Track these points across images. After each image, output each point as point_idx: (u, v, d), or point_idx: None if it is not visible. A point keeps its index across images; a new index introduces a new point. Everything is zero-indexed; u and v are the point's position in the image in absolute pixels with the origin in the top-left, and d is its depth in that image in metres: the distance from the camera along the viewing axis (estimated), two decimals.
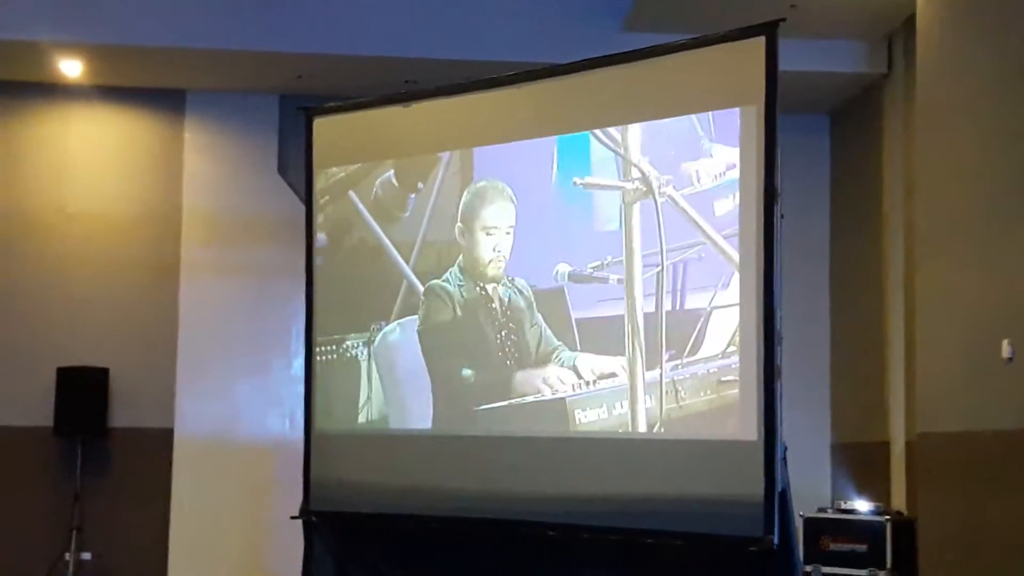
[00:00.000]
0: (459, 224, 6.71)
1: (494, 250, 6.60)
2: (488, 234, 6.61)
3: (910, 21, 8.30)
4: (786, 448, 5.58)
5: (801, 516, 8.09)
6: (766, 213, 5.62)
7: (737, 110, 5.81)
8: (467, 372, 6.66)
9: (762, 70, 5.66)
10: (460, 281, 6.71)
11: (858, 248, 10.10)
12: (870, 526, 8.48)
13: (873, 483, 9.32)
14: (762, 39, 5.68)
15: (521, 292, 6.50)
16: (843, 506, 8.98)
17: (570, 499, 6.10)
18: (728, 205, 5.86)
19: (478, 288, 6.62)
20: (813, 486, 9.52)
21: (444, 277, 6.77)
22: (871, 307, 9.69)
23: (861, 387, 9.91)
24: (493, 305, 6.59)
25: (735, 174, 5.83)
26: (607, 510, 5.96)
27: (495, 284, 6.57)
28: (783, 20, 5.69)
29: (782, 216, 5.69)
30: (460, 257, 6.73)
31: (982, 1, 6.98)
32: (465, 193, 6.73)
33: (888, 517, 8.48)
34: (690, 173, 5.99)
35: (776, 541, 5.42)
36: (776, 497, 5.45)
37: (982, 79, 6.91)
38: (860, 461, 9.82)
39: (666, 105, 6.09)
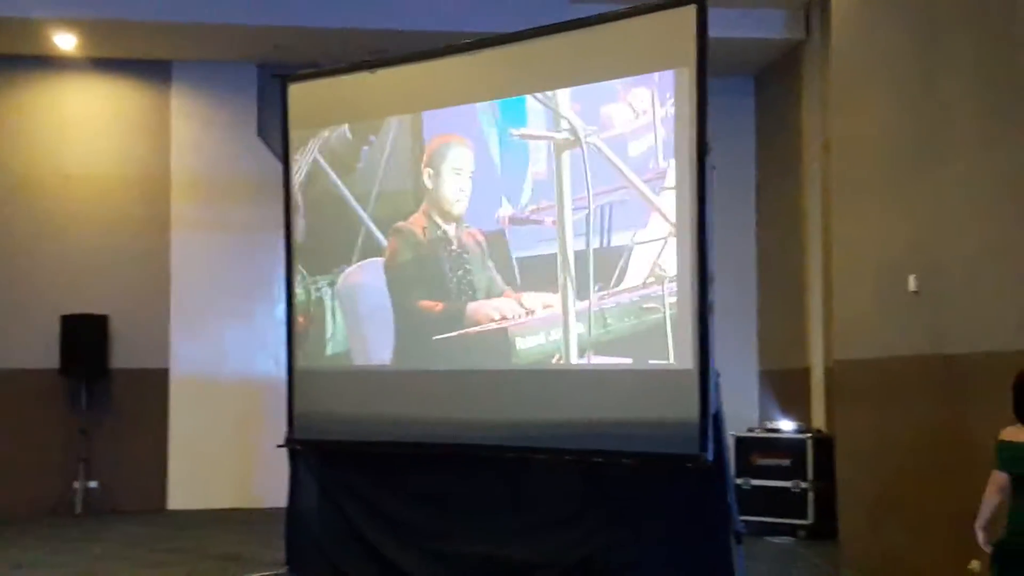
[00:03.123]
0: (428, 169, 6.66)
1: (460, 190, 6.57)
2: (456, 174, 6.57)
3: None
4: (719, 375, 5.60)
5: (733, 436, 8.16)
6: (699, 165, 5.59)
7: (671, 72, 5.76)
8: (426, 304, 6.66)
9: (693, 36, 5.61)
10: (424, 223, 6.68)
11: (781, 195, 10.13)
12: (793, 443, 8.58)
13: (796, 405, 9.41)
14: (693, 7, 5.63)
15: (474, 236, 6.48)
16: (769, 426, 9.07)
17: (524, 424, 6.11)
18: (642, 146, 5.87)
19: (440, 231, 6.60)
20: (743, 408, 9.61)
21: (410, 219, 6.74)
22: (793, 248, 9.73)
23: (784, 319, 9.98)
24: (452, 247, 6.56)
25: (648, 119, 5.84)
26: (560, 433, 5.97)
27: (455, 224, 6.54)
28: None
29: (713, 168, 5.67)
30: (424, 201, 6.68)
31: None
32: (432, 143, 6.68)
33: (809, 435, 8.58)
34: (610, 117, 5.98)
35: (710, 458, 5.45)
36: (710, 419, 5.48)
37: (890, 43, 6.90)
38: (784, 385, 9.91)
39: (606, 69, 6.03)
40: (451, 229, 6.56)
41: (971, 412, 5.81)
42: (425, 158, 6.67)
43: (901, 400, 6.61)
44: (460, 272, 6.52)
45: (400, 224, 6.76)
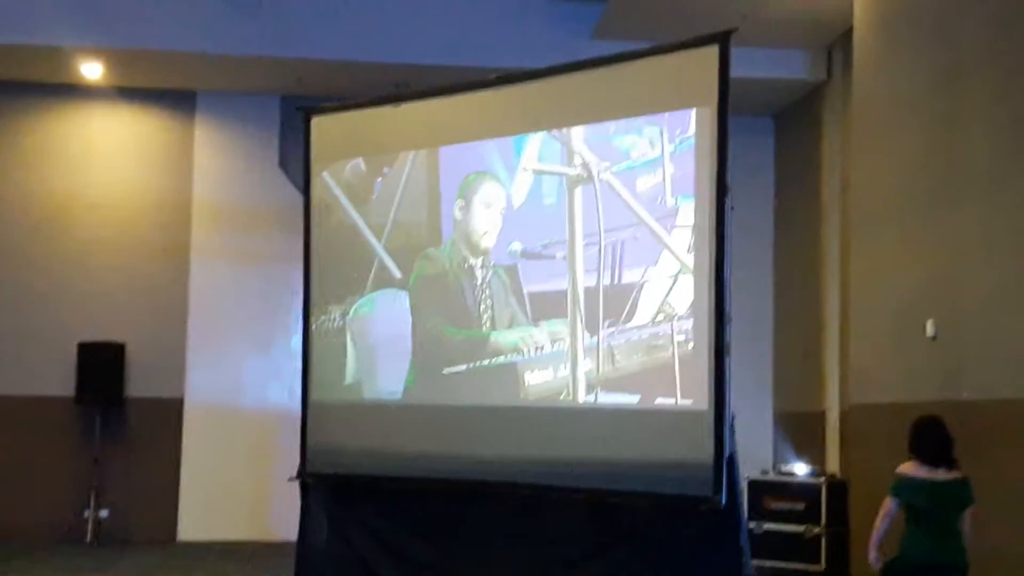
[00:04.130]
0: (460, 201, 6.64)
1: (489, 224, 6.55)
2: (487, 208, 6.56)
3: (848, 33, 8.26)
4: (734, 417, 5.53)
5: (746, 478, 8.06)
6: (718, 205, 5.55)
7: (692, 111, 5.74)
8: (452, 332, 6.62)
9: (715, 75, 5.59)
10: (452, 254, 6.67)
11: (799, 236, 10.07)
12: (807, 487, 8.46)
13: (810, 448, 9.31)
14: (716, 47, 5.61)
15: (497, 270, 6.46)
16: (783, 469, 8.96)
17: (535, 462, 6.05)
18: (654, 183, 5.85)
19: (467, 263, 6.58)
20: (757, 450, 9.51)
21: (440, 248, 6.72)
22: (810, 289, 9.67)
23: (800, 362, 9.89)
24: (476, 280, 6.54)
25: (659, 153, 5.82)
26: (572, 472, 5.91)
27: (482, 258, 6.52)
28: (735, 30, 5.61)
29: (732, 208, 5.63)
30: (454, 233, 6.67)
31: (911, 17, 6.94)
32: (466, 176, 6.67)
33: (823, 479, 8.46)
34: (623, 153, 5.97)
35: (724, 501, 5.38)
36: (724, 461, 5.40)
37: (910, 86, 6.88)
38: (799, 428, 9.81)
39: (626, 107, 6.01)
40: (478, 262, 6.55)
41: (989, 459, 5.72)
42: (457, 190, 6.66)
43: None
44: (483, 306, 6.49)
45: (432, 251, 6.74)
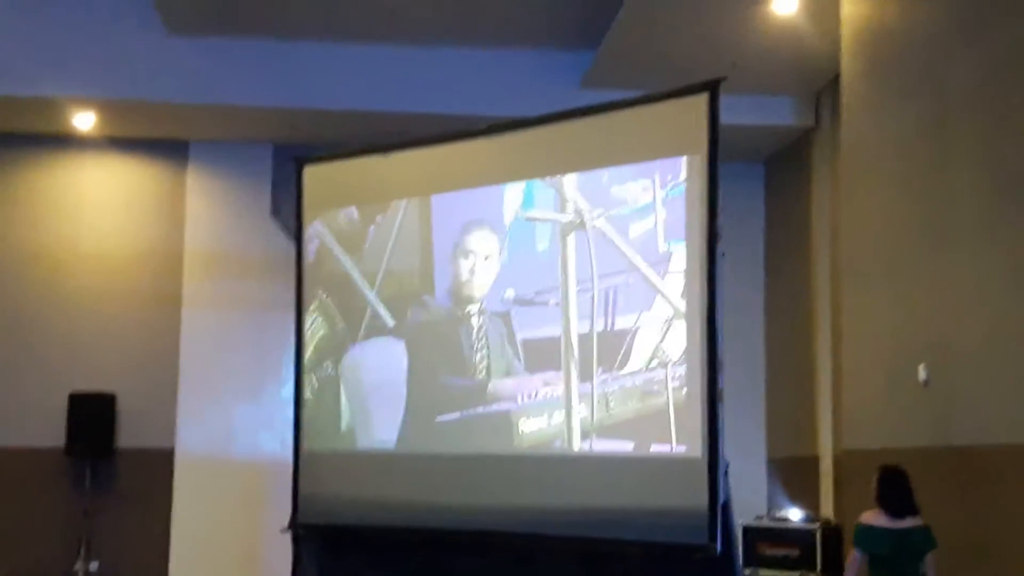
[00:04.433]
0: (454, 249, 6.66)
1: (484, 273, 6.56)
2: (483, 258, 6.57)
3: (836, 80, 8.32)
4: (728, 464, 5.52)
5: (740, 524, 8.01)
6: (709, 252, 5.57)
7: (683, 159, 5.77)
8: (445, 379, 6.60)
9: (705, 123, 5.63)
10: (446, 301, 6.66)
11: (790, 281, 10.08)
12: (802, 533, 8.41)
13: (804, 494, 9.26)
14: (705, 95, 5.65)
15: (491, 318, 6.45)
16: (778, 515, 8.92)
17: (529, 510, 6.02)
18: (646, 229, 5.87)
19: (462, 311, 6.58)
20: (751, 496, 9.45)
21: (435, 296, 6.72)
22: (801, 335, 9.66)
23: (793, 407, 9.87)
24: (472, 328, 6.53)
25: (650, 199, 5.85)
26: (566, 520, 5.88)
27: (477, 305, 6.51)
28: (724, 79, 5.66)
29: (723, 254, 5.64)
30: (449, 280, 6.67)
31: (899, 63, 6.99)
32: (462, 226, 6.68)
33: (818, 525, 8.42)
34: (615, 200, 5.99)
35: (719, 548, 5.35)
36: (719, 508, 5.38)
37: (899, 132, 6.92)
38: (792, 473, 9.77)
39: (615, 155, 6.05)
40: (473, 310, 6.55)
41: (983, 506, 5.69)
42: (452, 239, 6.68)
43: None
44: (479, 354, 6.48)
45: (427, 298, 6.74)
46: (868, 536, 5.32)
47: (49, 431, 9.81)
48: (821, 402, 9.20)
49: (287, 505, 7.10)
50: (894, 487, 5.37)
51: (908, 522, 5.29)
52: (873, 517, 5.35)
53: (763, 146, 10.21)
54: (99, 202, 10.41)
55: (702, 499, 5.41)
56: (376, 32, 8.97)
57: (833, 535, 8.15)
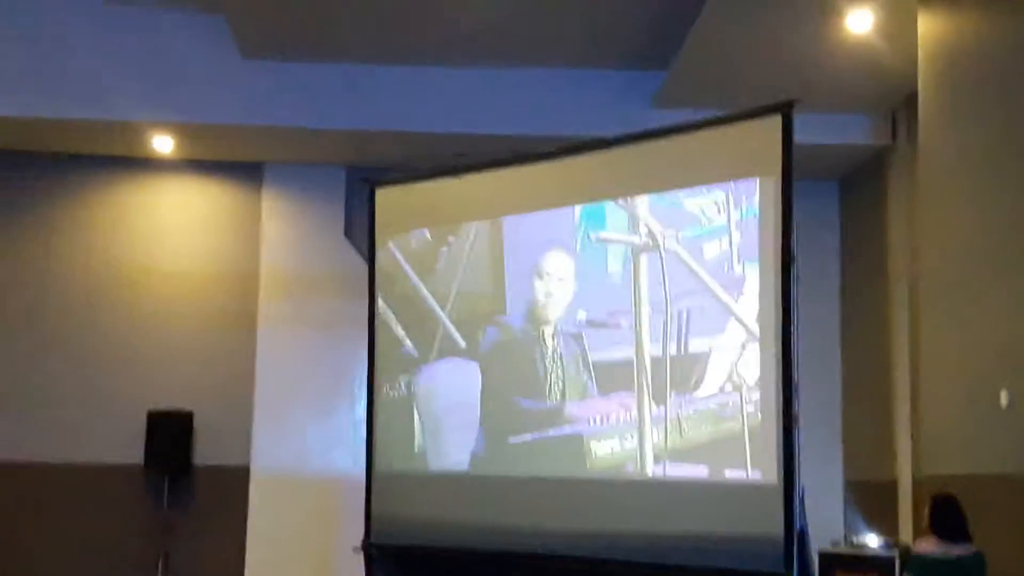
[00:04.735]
0: (529, 271, 6.66)
1: (559, 295, 6.56)
2: (559, 280, 6.56)
3: (912, 97, 8.17)
4: (804, 490, 5.43)
5: (816, 549, 7.86)
6: (783, 276, 5.50)
7: (756, 180, 5.71)
8: (518, 401, 6.60)
9: (778, 145, 5.57)
10: (520, 322, 6.67)
11: (867, 301, 9.91)
12: (880, 560, 8.20)
13: (882, 518, 9.07)
14: (779, 116, 5.58)
15: (566, 340, 6.44)
16: (855, 540, 8.73)
17: (602, 535, 5.98)
18: (719, 251, 5.82)
19: (536, 332, 6.57)
20: (827, 521, 9.27)
21: (509, 316, 6.73)
22: (880, 355, 9.49)
23: (871, 429, 9.69)
24: (547, 349, 6.53)
25: (724, 221, 5.79)
26: (638, 545, 5.83)
27: (551, 327, 6.50)
28: (798, 100, 5.59)
29: (798, 278, 5.56)
30: (523, 301, 6.67)
31: (976, 78, 6.85)
32: (539, 248, 6.68)
33: (897, 551, 8.23)
34: (688, 222, 5.95)
35: None
36: (795, 536, 5.29)
37: (977, 149, 6.77)
38: (870, 498, 9.58)
39: (688, 177, 6.01)
40: (547, 332, 6.54)
41: None
42: (526, 261, 6.68)
43: (994, 521, 6.31)
44: (553, 376, 6.47)
45: (501, 319, 6.75)
46: (922, 564, 5.34)
47: (128, 448, 9.97)
48: (899, 426, 9.02)
49: (360, 523, 7.14)
50: (947, 513, 5.40)
51: (962, 548, 5.30)
52: (927, 545, 5.38)
53: (838, 165, 10.07)
54: (177, 223, 10.59)
55: (778, 527, 5.33)
56: (446, 54, 9.02)
57: None
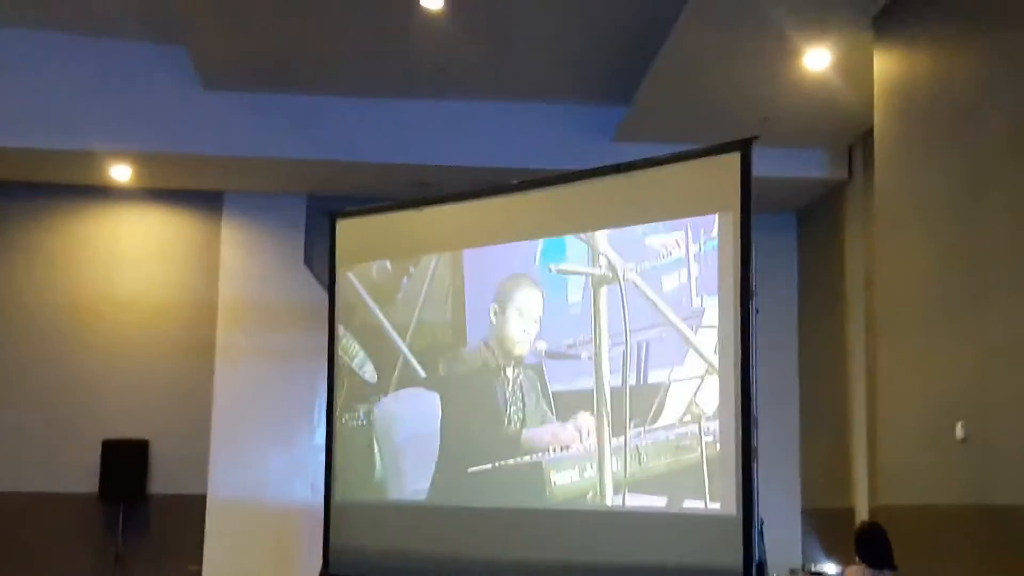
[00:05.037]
0: (494, 305, 6.67)
1: (523, 331, 6.57)
2: (520, 316, 6.58)
3: (869, 133, 8.31)
4: (763, 522, 5.46)
5: None
6: (742, 310, 5.55)
7: (715, 216, 5.76)
8: (477, 431, 6.60)
9: (737, 181, 5.63)
10: (486, 357, 6.67)
11: (824, 333, 10.01)
12: None
13: (840, 546, 9.12)
14: (738, 154, 5.65)
15: (527, 371, 6.45)
16: (813, 568, 8.79)
17: (561, 566, 5.98)
18: (678, 283, 5.88)
19: (497, 364, 6.58)
20: (786, 548, 9.33)
21: (469, 346, 6.74)
22: (836, 387, 9.58)
23: (828, 460, 9.77)
24: (508, 384, 6.53)
25: (682, 254, 5.85)
26: None
27: (514, 362, 6.51)
28: (756, 137, 5.66)
29: (757, 311, 5.62)
30: (486, 333, 6.68)
31: (932, 115, 6.97)
32: (504, 282, 6.70)
33: None
34: (647, 255, 6.00)
35: None
36: (754, 567, 5.32)
37: (932, 185, 6.88)
38: (827, 526, 9.64)
39: (650, 212, 6.05)
40: (509, 363, 6.55)
41: (1021, 566, 5.59)
42: (492, 294, 6.69)
43: (948, 550, 6.38)
44: (513, 407, 6.48)
45: (463, 350, 6.75)
46: None
47: (83, 477, 9.86)
48: (856, 455, 9.10)
49: (318, 551, 7.09)
50: (875, 542, 5.58)
51: (888, 574, 5.54)
52: (858, 572, 5.54)
53: (796, 198, 10.19)
54: (135, 252, 10.52)
55: (736, 558, 5.35)
56: (408, 86, 9.05)
57: None
